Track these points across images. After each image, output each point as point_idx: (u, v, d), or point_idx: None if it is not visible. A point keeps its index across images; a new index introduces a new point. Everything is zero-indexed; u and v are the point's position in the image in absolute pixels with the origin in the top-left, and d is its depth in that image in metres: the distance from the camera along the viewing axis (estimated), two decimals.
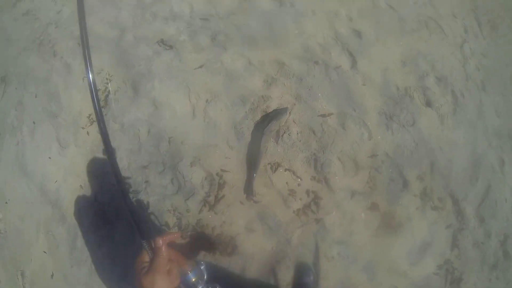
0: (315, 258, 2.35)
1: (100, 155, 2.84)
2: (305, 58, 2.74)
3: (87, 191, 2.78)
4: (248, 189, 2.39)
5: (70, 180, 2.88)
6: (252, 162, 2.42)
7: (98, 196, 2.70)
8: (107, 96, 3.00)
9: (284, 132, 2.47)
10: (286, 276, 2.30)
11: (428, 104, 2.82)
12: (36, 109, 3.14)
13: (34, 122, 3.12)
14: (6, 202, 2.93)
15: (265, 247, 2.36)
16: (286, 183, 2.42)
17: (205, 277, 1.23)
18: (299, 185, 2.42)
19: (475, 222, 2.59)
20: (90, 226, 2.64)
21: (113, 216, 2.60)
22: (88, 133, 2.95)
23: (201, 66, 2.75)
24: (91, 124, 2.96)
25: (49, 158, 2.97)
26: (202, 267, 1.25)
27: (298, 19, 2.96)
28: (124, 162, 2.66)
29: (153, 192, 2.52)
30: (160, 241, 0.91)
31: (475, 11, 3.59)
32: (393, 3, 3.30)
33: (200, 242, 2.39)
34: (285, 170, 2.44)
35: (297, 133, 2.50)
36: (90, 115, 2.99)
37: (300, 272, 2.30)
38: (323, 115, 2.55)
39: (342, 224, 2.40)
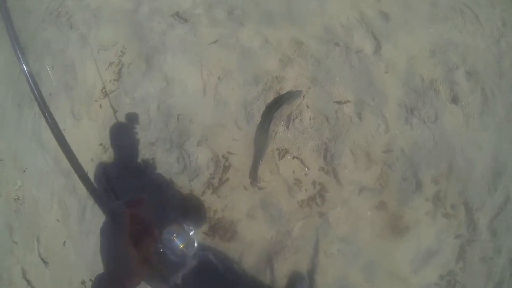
0: (314, 252, 2.04)
1: (111, 127, 2.57)
2: (325, 39, 2.23)
3: (97, 164, 2.54)
4: (253, 174, 2.05)
5: (82, 153, 2.60)
6: (259, 146, 2.05)
7: (107, 170, 2.45)
8: (120, 69, 2.67)
9: (296, 117, 2.07)
10: (282, 267, 2.00)
11: (455, 100, 2.32)
12: (52, 81, 2.87)
13: (50, 94, 2.85)
14: (24, 171, 2.74)
15: (265, 236, 2.04)
16: (293, 171, 2.06)
17: (195, 244, 0.97)
18: (306, 175, 2.04)
19: (487, 235, 2.16)
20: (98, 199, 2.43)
21: (120, 192, 2.37)
22: (100, 106, 2.64)
23: (215, 42, 2.33)
24: (104, 97, 2.65)
25: (63, 130, 2.72)
26: (191, 233, 0.99)
27: None
28: (133, 138, 2.38)
29: (159, 169, 2.25)
30: (123, 205, 0.69)
31: None
32: None
33: (186, 207, 2.14)
34: (293, 157, 2.07)
35: (310, 119, 2.10)
36: (103, 88, 2.68)
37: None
38: (339, 102, 2.12)
39: (347, 220, 2.03)
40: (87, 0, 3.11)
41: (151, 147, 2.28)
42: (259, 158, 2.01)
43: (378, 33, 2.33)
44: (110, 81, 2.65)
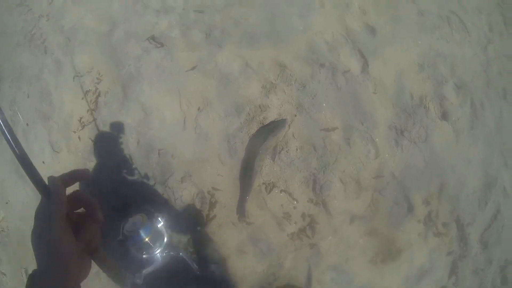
0: (307, 282, 1.76)
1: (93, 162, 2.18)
2: (309, 59, 1.82)
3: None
4: (241, 209, 1.71)
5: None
6: (245, 182, 1.70)
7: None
8: (97, 98, 2.23)
9: (282, 149, 1.71)
10: None
11: (444, 116, 1.97)
12: (29, 110, 2.37)
13: (27, 124, 2.42)
14: (7, 203, 2.35)
15: (256, 269, 1.76)
16: (281, 205, 1.72)
17: (165, 239, 0.76)
18: (295, 208, 1.69)
19: (478, 249, 1.87)
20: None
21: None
22: (79, 138, 2.23)
23: (193, 68, 1.90)
24: (82, 128, 2.22)
25: (43, 162, 2.31)
26: (159, 225, 0.76)
27: (304, 12, 2.01)
28: (114, 172, 2.00)
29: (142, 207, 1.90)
30: (59, 180, 0.49)
31: (501, 5, 2.51)
32: None
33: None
34: (281, 191, 1.73)
35: (296, 149, 1.74)
36: (81, 118, 2.26)
37: None
38: (327, 129, 1.74)
39: (338, 249, 1.71)
40: (61, 22, 2.59)
41: (133, 182, 1.91)
42: (246, 194, 1.66)
43: (365, 50, 1.92)
44: (88, 111, 2.21)
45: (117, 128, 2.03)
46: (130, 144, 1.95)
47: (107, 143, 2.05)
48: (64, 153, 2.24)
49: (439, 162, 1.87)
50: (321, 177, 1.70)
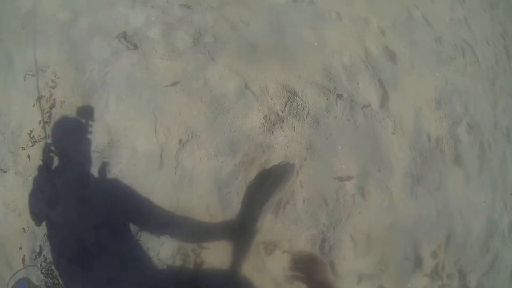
0: None
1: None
2: (325, 87, 1.20)
3: (31, 235, 1.42)
4: (234, 274, 1.15)
5: (11, 219, 1.48)
6: (241, 242, 1.13)
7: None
8: (51, 108, 1.43)
9: (287, 202, 1.15)
10: None
11: (457, 160, 1.48)
12: None
13: None
14: None
15: None
16: (283, 267, 1.20)
17: None
18: None
19: None
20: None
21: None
22: (29, 156, 1.44)
23: (174, 84, 1.20)
24: (32, 145, 1.42)
25: None
26: None
27: (318, 24, 1.36)
28: (71, 215, 1.28)
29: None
30: None
31: (504, 37, 2.06)
32: (429, 17, 1.68)
33: None
34: (284, 252, 1.18)
35: (304, 202, 1.16)
36: (31, 131, 1.45)
37: None
38: (341, 178, 1.17)
39: None
40: (18, 1, 1.66)
41: (96, 233, 1.22)
42: (241, 257, 1.06)
43: (385, 79, 1.32)
44: (40, 122, 1.41)
45: (74, 153, 1.28)
46: (90, 180, 1.22)
47: (63, 171, 1.30)
48: (11, 174, 1.44)
49: (449, 209, 1.40)
50: (331, 236, 1.15)
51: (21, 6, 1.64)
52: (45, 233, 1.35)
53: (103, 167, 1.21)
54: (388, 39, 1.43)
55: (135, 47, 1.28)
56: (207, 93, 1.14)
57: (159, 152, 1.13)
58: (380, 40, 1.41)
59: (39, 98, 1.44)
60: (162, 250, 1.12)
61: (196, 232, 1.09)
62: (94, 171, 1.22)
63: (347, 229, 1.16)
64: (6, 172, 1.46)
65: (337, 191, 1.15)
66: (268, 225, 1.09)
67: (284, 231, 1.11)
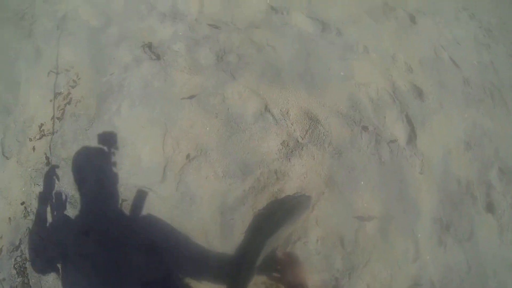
0: None
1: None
2: (350, 117, 1.10)
3: (15, 227, 1.29)
4: None
5: (1, 206, 1.37)
6: (238, 277, 0.95)
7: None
8: (66, 104, 1.40)
9: (299, 239, 0.98)
10: None
11: (490, 208, 1.30)
12: None
13: None
14: None
15: None
16: None
17: None
18: None
19: None
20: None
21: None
22: (34, 148, 1.37)
23: (191, 97, 1.14)
24: (40, 138, 1.37)
25: None
26: None
27: (345, 55, 1.31)
28: (48, 216, 1.15)
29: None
30: None
31: None
32: (457, 58, 1.62)
33: None
34: None
35: (317, 241, 0.98)
36: (42, 124, 1.41)
37: None
38: (362, 218, 1.01)
39: None
40: (56, 6, 1.73)
41: (80, 239, 1.07)
42: None
43: (413, 115, 1.22)
44: (52, 118, 1.37)
45: (78, 153, 1.20)
46: (86, 182, 1.11)
47: (60, 170, 1.21)
48: (13, 161, 1.36)
49: (482, 265, 1.17)
50: (346, 284, 0.94)
51: (59, 10, 1.71)
52: (28, 228, 1.21)
53: (102, 171, 1.10)
54: (415, 77, 1.35)
55: (158, 57, 1.26)
56: (223, 110, 1.06)
57: (163, 165, 1.02)
58: (407, 76, 1.33)
59: (57, 94, 1.41)
60: (147, 272, 0.95)
61: (189, 258, 0.93)
62: (91, 174, 1.12)
63: (365, 278, 0.96)
64: (8, 159, 1.39)
65: (357, 232, 0.97)
66: (273, 263, 0.91)
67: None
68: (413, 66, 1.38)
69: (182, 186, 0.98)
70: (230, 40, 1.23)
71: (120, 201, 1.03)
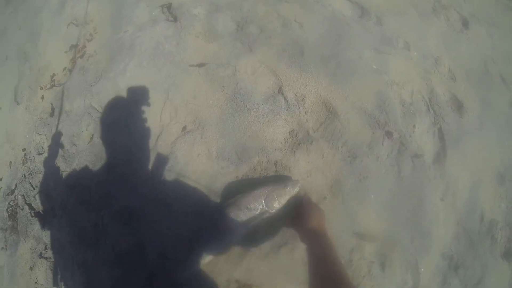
0: None
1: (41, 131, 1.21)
2: (374, 118, 0.85)
3: (14, 171, 1.23)
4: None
5: (4, 149, 1.31)
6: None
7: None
8: (80, 57, 1.26)
9: (285, 244, 0.78)
10: None
11: (507, 256, 1.04)
12: (15, 43, 1.44)
13: (6, 58, 1.45)
14: None
15: None
16: None
17: None
18: None
19: None
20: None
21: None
22: (42, 97, 1.26)
23: (200, 65, 0.96)
24: (50, 88, 1.26)
25: None
26: None
27: (382, 47, 1.05)
28: (43, 166, 1.04)
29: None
30: None
31: None
32: (508, 77, 1.30)
33: None
34: None
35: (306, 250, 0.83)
36: (54, 75, 1.29)
37: None
38: (363, 236, 0.81)
39: None
40: None
41: (67, 192, 0.96)
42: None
43: (447, 132, 0.95)
44: (64, 69, 1.25)
45: (79, 107, 1.07)
46: (81, 138, 0.99)
47: (61, 123, 1.09)
48: (22, 108, 1.28)
49: None
50: None
51: None
52: (24, 174, 1.14)
53: (96, 132, 0.97)
54: (458, 87, 1.06)
55: (175, 19, 1.06)
56: (232, 84, 0.86)
57: (157, 133, 0.86)
58: (449, 85, 1.05)
59: (73, 46, 1.28)
60: (120, 242, 0.82)
61: (162, 233, 0.78)
62: (86, 129, 0.99)
63: None
64: (19, 105, 1.30)
65: (353, 250, 0.77)
66: (251, 262, 0.74)
67: (269, 279, 0.75)
68: (457, 75, 1.09)
69: (173, 157, 0.82)
70: (254, 10, 1.01)
71: (109, 163, 0.90)
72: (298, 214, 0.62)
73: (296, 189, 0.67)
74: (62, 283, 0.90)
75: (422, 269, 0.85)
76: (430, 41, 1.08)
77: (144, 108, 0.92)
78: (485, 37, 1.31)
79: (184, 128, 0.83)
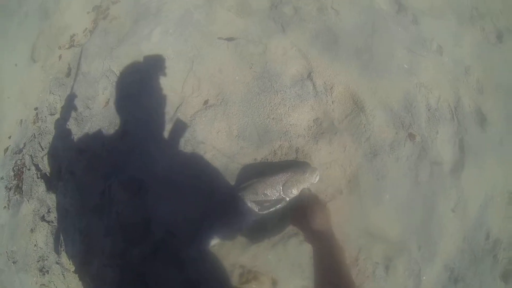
0: None
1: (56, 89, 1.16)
2: (399, 117, 0.80)
3: (24, 130, 1.18)
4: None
5: (18, 108, 1.25)
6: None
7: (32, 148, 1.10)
8: (102, 19, 1.19)
9: (295, 235, 0.74)
10: None
11: (506, 277, 1.02)
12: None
13: (26, 14, 1.38)
14: None
15: None
16: None
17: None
18: None
19: None
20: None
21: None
22: (60, 57, 1.20)
23: (229, 39, 0.90)
24: (68, 48, 1.19)
25: (15, 65, 1.30)
26: None
27: (415, 48, 0.98)
28: (53, 127, 1.00)
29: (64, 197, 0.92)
30: None
31: None
32: None
33: None
34: None
35: None
36: (74, 35, 1.22)
37: None
38: (372, 235, 0.75)
39: None
40: None
41: (76, 155, 0.92)
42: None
43: (467, 143, 0.91)
44: (85, 30, 1.18)
45: (97, 69, 1.01)
46: (96, 101, 0.94)
47: (76, 84, 1.04)
48: (38, 66, 1.21)
49: None
50: None
51: None
52: (33, 134, 1.09)
53: (112, 96, 0.92)
54: (484, 101, 1.01)
55: None
56: (261, 63, 0.81)
57: (177, 103, 0.81)
58: (475, 97, 1.00)
59: (96, 7, 1.21)
60: (127, 215, 0.79)
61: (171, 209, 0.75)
62: (103, 92, 0.94)
63: None
64: (35, 63, 1.24)
65: (361, 249, 0.75)
66: (259, 251, 0.72)
67: (274, 268, 0.73)
68: (485, 87, 1.04)
69: (190, 132, 0.78)
70: None
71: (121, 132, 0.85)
72: (303, 214, 0.57)
73: (316, 177, 0.64)
74: (62, 248, 0.87)
75: (424, 277, 0.83)
76: (463, 49, 1.02)
77: (166, 76, 0.86)
78: None
79: (206, 102, 0.78)
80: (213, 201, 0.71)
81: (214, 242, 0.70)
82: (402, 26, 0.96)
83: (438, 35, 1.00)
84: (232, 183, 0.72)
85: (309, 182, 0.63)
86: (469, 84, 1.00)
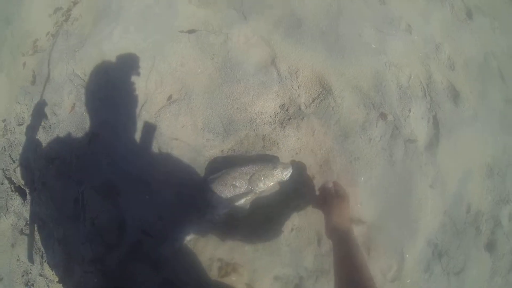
0: None
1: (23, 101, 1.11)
2: (369, 98, 0.78)
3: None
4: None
5: None
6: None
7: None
8: (63, 21, 1.14)
9: (270, 225, 0.75)
10: None
11: (490, 247, 1.02)
12: None
13: None
14: None
15: None
16: None
17: None
18: None
19: None
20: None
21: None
22: (24, 64, 1.15)
23: (191, 32, 0.87)
24: (32, 54, 1.15)
25: None
26: None
27: (383, 27, 0.97)
28: (28, 142, 0.95)
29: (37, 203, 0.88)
30: None
31: None
32: (506, 73, 1.23)
33: None
34: (240, 282, 0.80)
35: (292, 230, 0.74)
36: (37, 40, 1.17)
37: None
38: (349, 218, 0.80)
39: None
40: None
41: (46, 165, 0.88)
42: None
43: (441, 120, 0.89)
44: (47, 34, 1.13)
45: (60, 74, 0.97)
46: (62, 107, 0.89)
47: (45, 91, 0.99)
48: (3, 75, 1.16)
49: None
50: (310, 286, 0.73)
51: None
52: (4, 147, 1.04)
53: (77, 101, 0.88)
54: (456, 77, 1.00)
55: None
56: (222, 53, 0.77)
57: (141, 102, 0.77)
58: (447, 73, 0.98)
59: (57, 9, 1.16)
60: (101, 218, 0.76)
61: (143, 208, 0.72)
62: (68, 97, 0.90)
63: (331, 284, 0.74)
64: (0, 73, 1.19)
65: None
66: (235, 243, 0.70)
67: (252, 258, 0.71)
68: (456, 64, 1.02)
69: (155, 131, 0.74)
70: None
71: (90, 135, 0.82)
72: (326, 206, 0.56)
73: (286, 174, 0.61)
74: (44, 260, 0.84)
75: (407, 255, 0.82)
76: (433, 27, 1.00)
77: (130, 75, 0.83)
78: (487, 30, 1.24)
79: (170, 97, 0.75)
80: (184, 196, 0.69)
81: (188, 238, 0.68)
82: (369, 6, 0.93)
83: (407, 14, 0.97)
84: (201, 176, 0.70)
85: (278, 178, 0.60)
86: (440, 61, 0.99)
